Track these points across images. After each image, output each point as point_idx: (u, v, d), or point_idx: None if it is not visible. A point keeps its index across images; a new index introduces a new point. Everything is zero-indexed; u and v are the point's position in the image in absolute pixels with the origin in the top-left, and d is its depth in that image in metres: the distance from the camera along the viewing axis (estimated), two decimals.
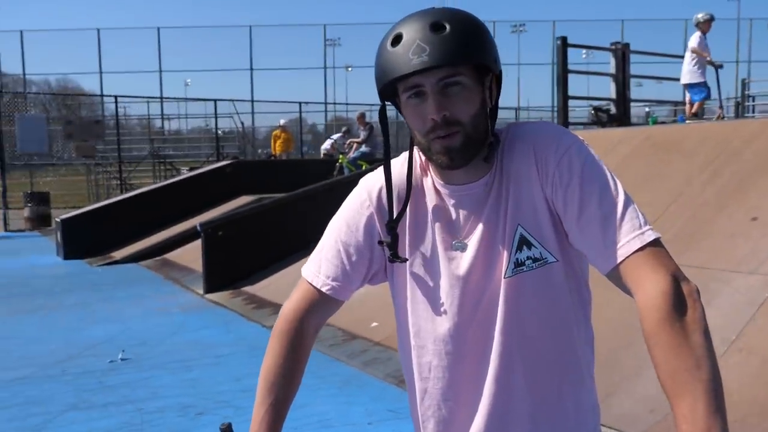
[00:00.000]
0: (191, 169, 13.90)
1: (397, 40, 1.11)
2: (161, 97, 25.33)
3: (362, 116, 13.13)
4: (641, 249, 1.06)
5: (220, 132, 19.98)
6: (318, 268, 1.27)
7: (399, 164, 1.27)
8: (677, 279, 1.02)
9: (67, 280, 8.90)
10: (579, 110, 17.24)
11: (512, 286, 1.16)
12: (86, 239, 10.59)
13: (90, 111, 24.88)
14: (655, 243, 1.07)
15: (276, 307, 5.99)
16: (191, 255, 8.94)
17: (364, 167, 11.38)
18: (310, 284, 1.27)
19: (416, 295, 1.24)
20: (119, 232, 10.80)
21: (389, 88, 1.16)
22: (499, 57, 1.19)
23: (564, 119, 8.35)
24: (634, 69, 9.54)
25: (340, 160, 12.55)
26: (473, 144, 1.14)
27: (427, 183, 1.24)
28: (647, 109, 18.29)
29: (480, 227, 1.19)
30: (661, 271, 1.03)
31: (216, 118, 19.00)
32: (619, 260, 1.06)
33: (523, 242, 1.15)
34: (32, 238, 13.18)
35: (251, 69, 29.69)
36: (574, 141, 1.16)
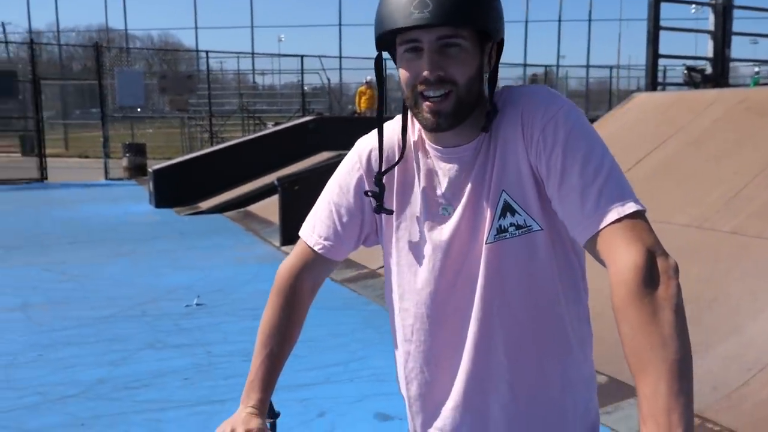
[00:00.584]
0: (276, 124, 14.19)
1: None
2: (252, 53, 25.84)
3: (534, 78, 12.92)
4: (618, 221, 1.01)
5: (306, 88, 20.23)
6: (312, 228, 1.30)
7: (394, 123, 1.27)
8: (652, 253, 0.97)
9: (156, 227, 9.38)
10: (677, 69, 16.34)
11: (493, 252, 1.15)
12: (176, 189, 11.09)
13: (188, 65, 25.73)
14: (636, 215, 1.02)
15: (348, 262, 6.12)
16: (271, 208, 9.21)
17: None
18: (305, 243, 1.30)
19: (401, 258, 1.24)
20: (207, 184, 11.23)
21: (387, 37, 1.14)
22: (504, 24, 1.16)
23: (653, 78, 7.94)
24: (738, 26, 8.91)
25: None
26: (464, 107, 1.12)
27: (419, 144, 1.23)
28: (756, 69, 17.11)
29: (466, 192, 1.17)
30: (637, 244, 0.98)
31: (302, 73, 19.23)
32: (594, 231, 1.03)
33: (507, 208, 1.13)
34: (129, 187, 13.90)
35: (339, 24, 29.74)
36: (563, 106, 1.11)
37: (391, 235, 1.25)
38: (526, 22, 30.20)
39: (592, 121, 6.29)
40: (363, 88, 17.78)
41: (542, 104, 1.12)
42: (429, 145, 1.20)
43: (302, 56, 19.17)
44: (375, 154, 1.24)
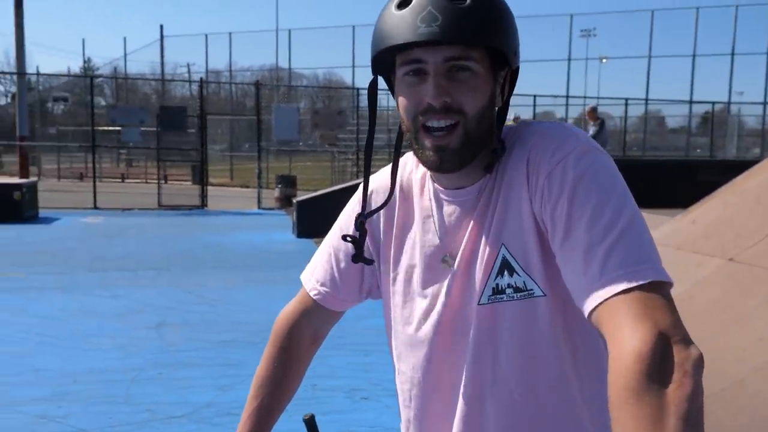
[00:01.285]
0: None
1: (405, 1, 0.94)
2: None
3: (593, 110, 12.44)
4: (627, 291, 0.80)
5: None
6: (312, 271, 1.22)
7: (406, 158, 1.14)
8: (666, 338, 0.75)
9: (293, 256, 9.71)
10: None
11: (486, 316, 0.99)
12: (317, 220, 11.42)
13: (350, 102, 26.86)
14: (653, 287, 0.81)
15: None
16: None
17: None
18: (304, 288, 1.22)
19: (397, 314, 1.11)
20: None
21: (385, 58, 0.99)
22: (519, 51, 1.02)
23: None
24: None
25: None
26: (472, 143, 0.97)
27: (422, 182, 1.09)
28: None
29: (463, 242, 1.02)
30: (646, 324, 0.76)
31: None
32: (596, 301, 0.83)
33: (505, 266, 0.97)
34: (278, 216, 14.58)
35: None
36: (576, 147, 0.93)
37: (388, 287, 1.12)
38: (694, 56, 28.38)
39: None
40: (510, 123, 17.55)
41: (552, 143, 0.95)
42: (432, 184, 1.07)
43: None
44: (378, 194, 1.13)
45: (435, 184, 1.06)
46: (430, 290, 1.05)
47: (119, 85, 32.45)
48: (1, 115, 30.62)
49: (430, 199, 1.07)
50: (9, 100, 27.93)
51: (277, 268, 8.59)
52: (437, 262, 1.04)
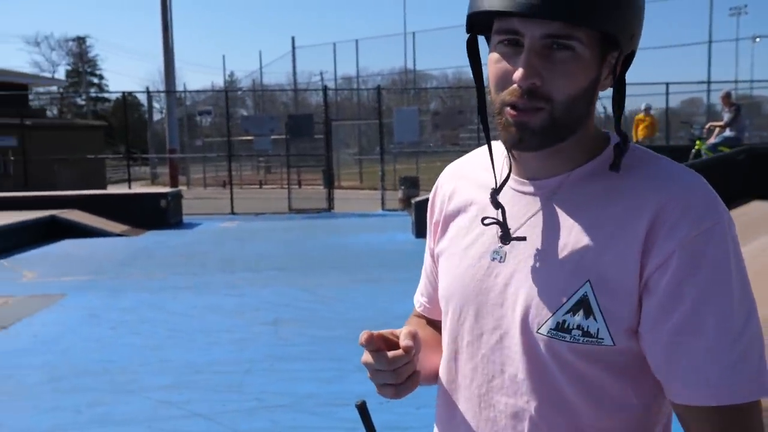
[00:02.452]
0: None
1: None
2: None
3: (727, 96, 11.66)
4: (722, 406, 0.81)
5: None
6: (419, 286, 1.18)
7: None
8: None
9: (411, 256, 9.89)
10: None
11: (541, 349, 0.89)
12: None
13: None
14: (750, 406, 0.81)
15: None
16: None
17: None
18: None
19: (445, 303, 1.03)
20: None
21: (481, 18, 0.89)
22: (641, 31, 0.90)
23: None
24: None
25: (697, 146, 11.37)
26: (558, 129, 0.87)
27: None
28: None
29: (531, 242, 0.91)
30: None
31: None
32: (691, 402, 0.84)
33: (584, 305, 0.86)
34: (401, 217, 14.87)
35: None
36: (721, 221, 0.84)
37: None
38: None
39: None
40: (641, 115, 16.76)
41: (696, 206, 0.84)
42: (509, 169, 0.96)
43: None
44: (448, 183, 1.06)
45: (514, 173, 0.96)
46: (475, 283, 0.97)
47: (258, 96, 34.34)
48: (156, 130, 33.45)
49: (499, 186, 0.96)
50: (163, 115, 30.45)
51: (393, 267, 8.83)
52: (488, 254, 0.96)
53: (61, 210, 12.22)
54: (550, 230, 0.90)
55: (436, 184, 1.10)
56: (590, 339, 0.86)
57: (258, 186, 27.45)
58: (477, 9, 0.87)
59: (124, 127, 24.08)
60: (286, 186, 17.41)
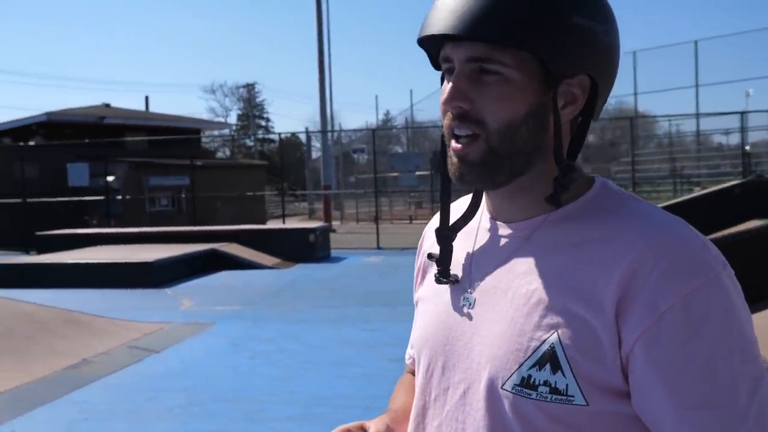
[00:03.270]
0: (703, 189, 13.08)
1: None
2: (696, 114, 24.25)
3: None
4: None
5: (747, 148, 18.14)
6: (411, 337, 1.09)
7: None
8: None
9: None
10: None
11: (504, 407, 0.80)
12: None
13: (646, 131, 25.43)
14: None
15: None
16: None
17: None
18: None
19: (417, 353, 0.96)
20: None
21: (429, 50, 0.88)
22: (602, 54, 0.82)
23: None
24: None
25: None
26: (498, 160, 0.81)
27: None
28: None
29: (500, 287, 0.85)
30: None
31: (742, 132, 17.33)
32: None
33: (551, 360, 0.77)
34: None
35: None
36: (710, 277, 0.74)
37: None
38: None
39: None
40: None
41: (680, 265, 0.74)
42: (486, 212, 0.92)
43: (742, 113, 17.31)
44: (430, 230, 1.02)
45: (487, 212, 0.93)
46: (445, 329, 0.91)
47: (411, 133, 35.12)
48: (314, 167, 35.23)
49: (478, 227, 0.93)
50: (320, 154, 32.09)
51: None
52: (459, 301, 0.90)
53: (221, 243, 13.14)
54: (520, 275, 0.83)
55: (424, 231, 1.06)
56: (559, 397, 0.77)
57: (408, 221, 27.91)
58: (417, 39, 0.85)
59: (284, 165, 25.56)
60: None
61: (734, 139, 25.04)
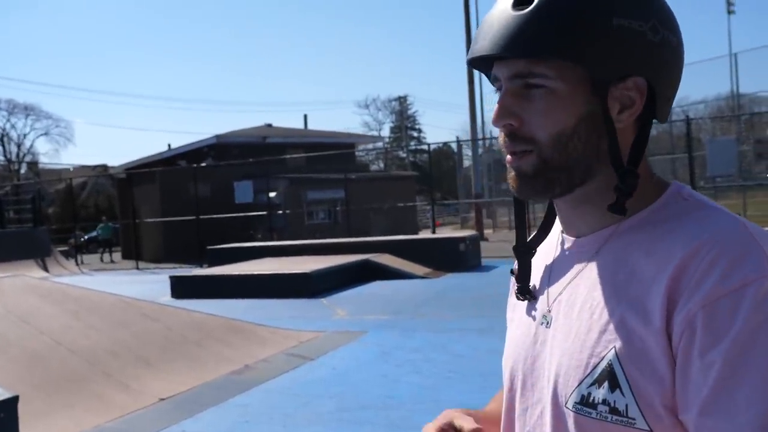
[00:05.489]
0: None
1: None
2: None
3: None
4: None
5: None
6: None
7: None
8: None
9: None
10: None
11: (566, 426, 0.79)
12: None
13: None
14: None
15: None
16: None
17: None
18: None
19: (503, 372, 0.97)
20: None
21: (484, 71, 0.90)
22: (653, 56, 0.79)
23: None
24: None
25: None
26: (553, 171, 0.81)
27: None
28: None
29: (570, 304, 0.84)
30: None
31: None
32: None
33: (609, 377, 0.75)
34: None
35: None
36: (758, 277, 0.70)
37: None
38: None
39: None
40: None
41: (724, 262, 0.71)
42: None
43: None
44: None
45: (562, 231, 0.92)
46: (525, 350, 0.91)
47: None
48: (466, 176, 35.28)
49: (555, 243, 0.93)
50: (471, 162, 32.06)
51: None
52: (539, 320, 0.90)
53: (373, 254, 13.53)
54: (587, 291, 0.82)
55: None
56: (619, 418, 0.74)
57: None
58: (467, 61, 0.86)
59: (436, 175, 25.79)
60: None
61: None
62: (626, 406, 0.74)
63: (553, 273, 0.91)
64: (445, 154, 51.95)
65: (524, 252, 0.94)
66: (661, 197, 0.83)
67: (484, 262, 14.83)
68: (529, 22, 0.77)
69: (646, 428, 0.73)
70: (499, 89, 0.85)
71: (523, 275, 0.93)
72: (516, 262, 0.96)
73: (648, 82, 0.80)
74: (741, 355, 0.69)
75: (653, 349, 0.73)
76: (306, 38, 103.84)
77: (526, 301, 0.94)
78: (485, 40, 0.80)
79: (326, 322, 8.74)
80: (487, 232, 24.65)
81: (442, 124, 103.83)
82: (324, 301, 10.71)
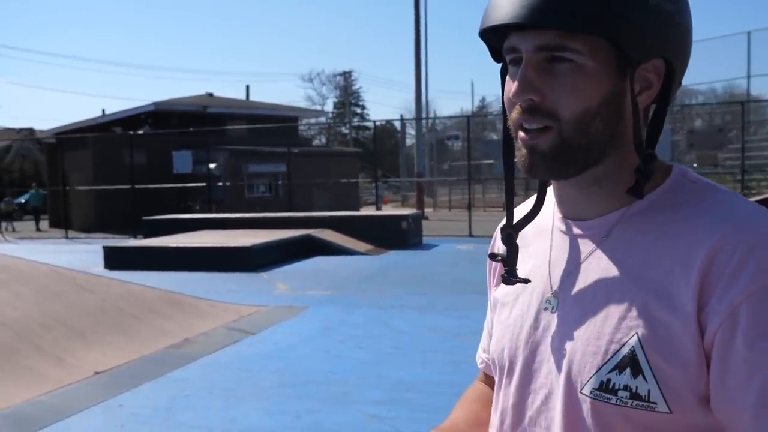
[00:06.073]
0: None
1: None
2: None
3: None
4: None
5: None
6: (482, 340, 1.11)
7: None
8: None
9: None
10: None
11: (580, 413, 0.78)
12: None
13: (758, 116, 23.99)
14: None
15: None
16: None
17: None
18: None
19: (495, 359, 0.94)
20: None
21: (492, 42, 0.85)
22: (675, 37, 0.78)
23: None
24: None
25: None
26: (571, 151, 0.78)
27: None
28: None
29: (580, 289, 0.82)
30: None
31: None
32: None
33: (630, 363, 0.75)
34: None
35: None
36: None
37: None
38: None
39: None
40: None
41: (763, 251, 0.71)
42: (557, 210, 0.89)
43: None
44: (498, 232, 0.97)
45: (558, 212, 0.90)
46: (527, 335, 0.89)
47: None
48: (408, 154, 35.43)
49: (552, 227, 0.91)
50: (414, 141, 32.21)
51: None
52: (541, 304, 0.88)
53: (315, 229, 13.46)
54: (600, 276, 0.81)
55: (495, 232, 1.02)
56: (640, 403, 0.74)
57: (501, 209, 27.46)
58: (480, 28, 0.81)
59: (378, 152, 25.78)
60: None
61: None
62: (648, 391, 0.74)
63: (554, 257, 0.88)
64: (387, 132, 51.94)
65: (511, 235, 0.91)
66: (668, 180, 0.82)
67: (425, 240, 14.95)
68: None
69: (667, 411, 0.74)
70: (513, 61, 0.81)
71: (511, 258, 0.90)
72: (504, 245, 0.92)
73: (668, 64, 0.79)
74: None
75: (679, 336, 0.73)
76: (250, 7, 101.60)
77: (515, 285, 0.90)
78: (514, 7, 0.75)
79: (267, 297, 8.66)
80: (428, 211, 24.85)
81: (385, 102, 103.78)
82: (265, 275, 10.61)
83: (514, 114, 0.81)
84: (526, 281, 0.88)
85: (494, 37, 0.84)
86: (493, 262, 1.01)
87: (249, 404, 4.64)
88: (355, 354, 5.88)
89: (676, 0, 0.78)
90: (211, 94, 32.73)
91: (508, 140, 0.87)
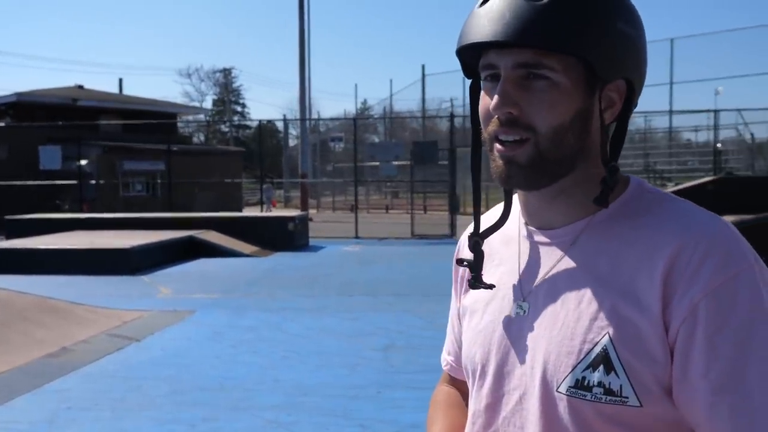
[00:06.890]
0: (676, 185, 13.33)
1: None
2: (670, 111, 24.53)
3: None
4: None
5: (719, 145, 18.47)
6: (446, 342, 1.14)
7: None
8: None
9: None
10: None
11: (556, 410, 0.82)
12: None
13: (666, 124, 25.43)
14: None
15: None
16: None
17: None
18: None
19: (467, 363, 0.97)
20: None
21: (468, 59, 0.89)
22: (638, 60, 0.86)
23: None
24: None
25: None
26: (547, 163, 0.83)
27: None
28: None
29: (551, 294, 0.86)
30: None
31: (715, 129, 17.67)
32: None
33: (604, 361, 0.79)
34: None
35: None
36: (747, 268, 0.78)
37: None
38: None
39: None
40: None
41: (718, 254, 0.78)
42: (523, 220, 0.93)
43: (715, 111, 17.60)
44: (465, 239, 1.01)
45: (525, 222, 0.94)
46: (498, 339, 0.92)
47: (389, 123, 35.06)
48: (291, 155, 35.08)
49: (519, 235, 0.94)
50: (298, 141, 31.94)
51: None
52: (512, 309, 0.91)
53: (198, 231, 13.03)
54: (569, 280, 0.85)
55: (459, 240, 1.06)
56: (613, 398, 0.79)
57: (384, 210, 27.89)
58: (458, 46, 0.86)
59: (260, 152, 25.35)
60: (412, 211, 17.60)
61: (702, 137, 25.33)
62: (620, 386, 0.79)
63: (523, 264, 0.92)
64: (269, 132, 51.22)
65: (478, 242, 0.95)
66: (627, 191, 0.88)
67: (311, 242, 14.88)
68: (547, 14, 0.79)
69: (638, 405, 0.79)
70: (491, 77, 0.85)
71: (478, 265, 0.94)
72: (471, 251, 0.96)
73: (629, 84, 0.86)
74: (747, 337, 0.76)
75: (647, 334, 0.78)
76: None
77: (485, 292, 0.94)
78: (494, 27, 0.80)
79: (150, 301, 8.28)
80: (312, 212, 24.74)
81: (266, 100, 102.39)
82: (145, 278, 10.14)
83: (491, 127, 0.85)
84: (491, 287, 0.92)
85: (471, 54, 0.88)
86: (460, 270, 1.04)
87: (139, 414, 4.41)
88: (249, 359, 5.75)
89: (636, 25, 0.86)
90: (81, 86, 30.88)
91: (477, 151, 0.93)
